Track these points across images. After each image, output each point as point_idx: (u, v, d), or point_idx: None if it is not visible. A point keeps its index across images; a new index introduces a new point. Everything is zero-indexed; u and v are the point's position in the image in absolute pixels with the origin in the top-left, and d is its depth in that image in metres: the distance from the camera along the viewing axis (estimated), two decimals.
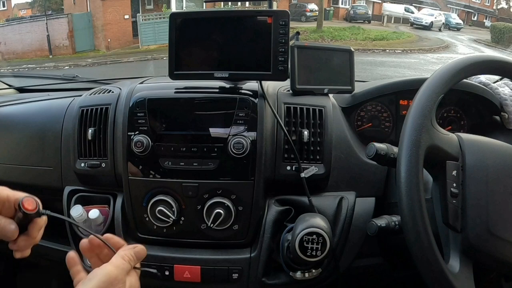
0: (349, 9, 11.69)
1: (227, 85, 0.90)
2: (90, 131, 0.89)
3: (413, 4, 11.70)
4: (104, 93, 0.96)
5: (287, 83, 0.92)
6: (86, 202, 0.91)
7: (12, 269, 1.31)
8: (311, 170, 0.85)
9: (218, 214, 0.82)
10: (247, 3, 5.46)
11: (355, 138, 0.98)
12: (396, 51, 8.38)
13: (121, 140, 0.86)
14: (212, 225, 0.82)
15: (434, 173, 0.69)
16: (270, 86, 0.93)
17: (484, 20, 12.66)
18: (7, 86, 1.31)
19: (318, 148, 0.87)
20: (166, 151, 0.84)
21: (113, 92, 0.95)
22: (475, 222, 0.64)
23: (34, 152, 0.99)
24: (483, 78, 1.02)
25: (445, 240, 0.66)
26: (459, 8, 12.65)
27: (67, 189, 0.94)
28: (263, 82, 0.87)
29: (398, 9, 11.77)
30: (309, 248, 0.73)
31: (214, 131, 0.84)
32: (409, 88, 0.99)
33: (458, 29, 11.24)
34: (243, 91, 0.87)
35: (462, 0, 12.62)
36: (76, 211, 0.86)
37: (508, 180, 0.67)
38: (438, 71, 0.68)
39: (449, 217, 0.65)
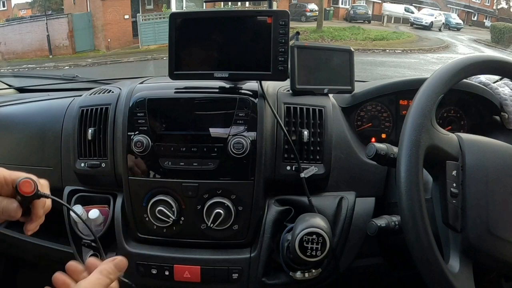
0: (349, 9, 11.69)
1: (227, 85, 0.90)
2: (90, 131, 0.89)
3: (413, 4, 11.71)
4: (104, 93, 0.96)
5: (287, 83, 0.92)
6: (86, 202, 0.91)
7: (12, 269, 1.31)
8: (311, 170, 0.85)
9: (218, 214, 0.81)
10: (247, 3, 5.47)
11: (355, 138, 0.98)
12: (396, 51, 8.38)
13: (121, 140, 0.86)
14: (212, 225, 0.82)
15: (434, 173, 0.69)
16: (270, 86, 0.93)
17: (484, 20, 12.66)
18: (7, 86, 1.31)
19: (318, 148, 0.87)
20: (166, 151, 0.84)
21: (113, 92, 0.95)
22: (475, 222, 0.64)
23: (34, 152, 0.99)
24: (483, 78, 1.02)
25: (445, 240, 0.66)
26: (459, 8, 12.65)
27: (67, 189, 0.94)
28: (263, 82, 0.87)
29: (398, 9, 11.78)
30: (309, 248, 0.73)
31: (214, 131, 0.84)
32: (409, 88, 0.99)
33: (458, 29, 11.25)
34: (243, 91, 0.87)
35: (462, 0, 12.62)
36: (76, 211, 0.86)
37: (508, 180, 0.67)
38: (438, 71, 0.68)
39: (449, 217, 0.65)
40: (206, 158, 0.83)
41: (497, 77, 1.09)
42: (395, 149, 0.70)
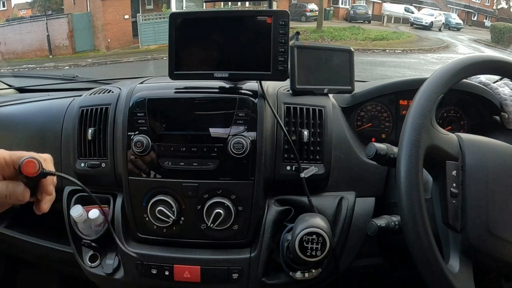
0: (349, 9, 11.69)
1: (227, 85, 0.90)
2: (90, 131, 0.89)
3: (413, 4, 11.70)
4: (104, 93, 0.96)
5: (287, 83, 0.92)
6: (86, 202, 0.91)
7: (12, 269, 1.31)
8: (311, 170, 0.85)
9: (218, 214, 0.81)
10: (247, 3, 5.46)
11: (355, 138, 0.98)
12: (396, 51, 8.38)
13: (121, 140, 0.86)
14: (212, 225, 0.82)
15: (434, 173, 0.69)
16: (270, 86, 0.93)
17: (484, 20, 12.66)
18: (7, 86, 1.31)
19: (318, 148, 0.87)
20: (166, 151, 0.84)
21: (113, 92, 0.95)
22: (475, 222, 0.64)
23: (34, 152, 0.99)
24: (483, 78, 1.02)
25: (445, 240, 0.66)
26: (459, 8, 12.65)
27: (67, 189, 0.94)
28: (263, 82, 0.87)
29: (398, 9, 11.77)
30: (309, 248, 0.73)
31: (214, 131, 0.84)
32: (409, 88, 0.99)
33: (458, 29, 11.24)
34: (243, 91, 0.87)
35: (462, 0, 12.62)
36: (76, 211, 0.86)
37: (508, 180, 0.67)
38: (438, 71, 0.68)
39: (449, 217, 0.65)
40: (206, 158, 0.83)
41: (497, 77, 1.09)
42: (395, 149, 0.70)
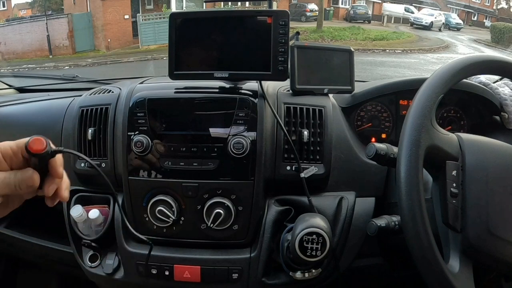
0: (349, 9, 11.69)
1: (227, 85, 0.90)
2: (90, 131, 0.89)
3: (413, 4, 11.71)
4: (104, 93, 0.96)
5: (287, 83, 0.92)
6: (86, 202, 0.91)
7: (12, 269, 1.31)
8: (311, 170, 0.85)
9: (218, 214, 0.81)
10: (247, 3, 5.46)
11: (355, 138, 0.98)
12: (396, 51, 8.38)
13: (121, 140, 0.86)
14: (212, 225, 0.82)
15: (434, 173, 0.69)
16: (270, 86, 0.93)
17: (484, 20, 12.66)
18: (7, 86, 1.31)
19: (318, 148, 0.87)
20: (166, 151, 0.84)
21: (113, 92, 0.95)
22: (475, 222, 0.64)
23: None
24: (483, 78, 1.02)
25: (445, 240, 0.66)
26: (459, 8, 12.65)
27: None
28: (263, 82, 0.87)
29: (398, 9, 11.77)
30: (309, 248, 0.73)
31: (214, 131, 0.84)
32: (409, 88, 0.99)
33: (458, 29, 11.24)
34: (243, 91, 0.87)
35: (462, 0, 12.62)
36: (76, 211, 0.86)
37: (508, 180, 0.67)
38: (438, 71, 0.68)
39: (449, 217, 0.65)
40: (206, 158, 0.83)
41: (497, 77, 1.09)
42: (395, 149, 0.70)
